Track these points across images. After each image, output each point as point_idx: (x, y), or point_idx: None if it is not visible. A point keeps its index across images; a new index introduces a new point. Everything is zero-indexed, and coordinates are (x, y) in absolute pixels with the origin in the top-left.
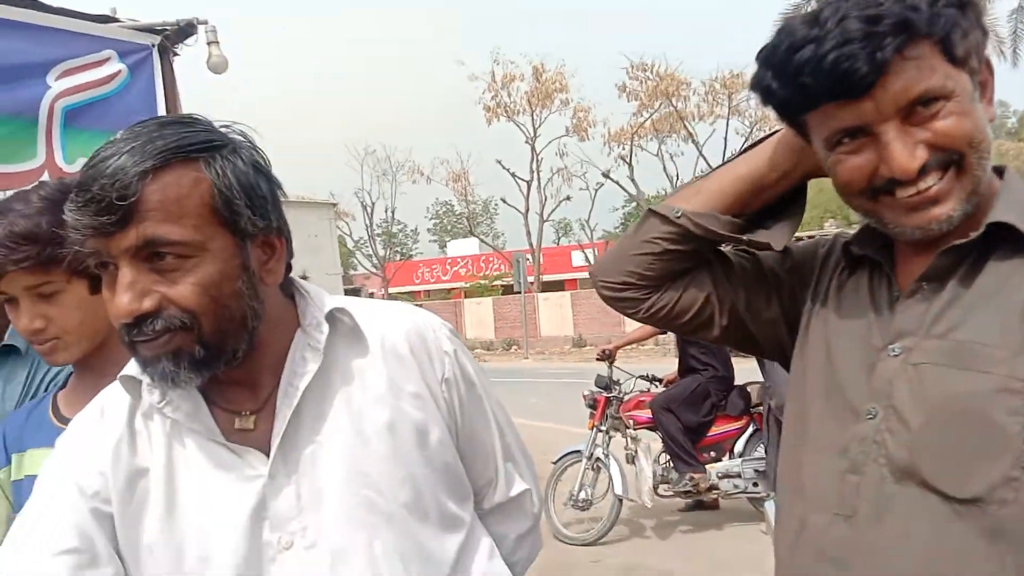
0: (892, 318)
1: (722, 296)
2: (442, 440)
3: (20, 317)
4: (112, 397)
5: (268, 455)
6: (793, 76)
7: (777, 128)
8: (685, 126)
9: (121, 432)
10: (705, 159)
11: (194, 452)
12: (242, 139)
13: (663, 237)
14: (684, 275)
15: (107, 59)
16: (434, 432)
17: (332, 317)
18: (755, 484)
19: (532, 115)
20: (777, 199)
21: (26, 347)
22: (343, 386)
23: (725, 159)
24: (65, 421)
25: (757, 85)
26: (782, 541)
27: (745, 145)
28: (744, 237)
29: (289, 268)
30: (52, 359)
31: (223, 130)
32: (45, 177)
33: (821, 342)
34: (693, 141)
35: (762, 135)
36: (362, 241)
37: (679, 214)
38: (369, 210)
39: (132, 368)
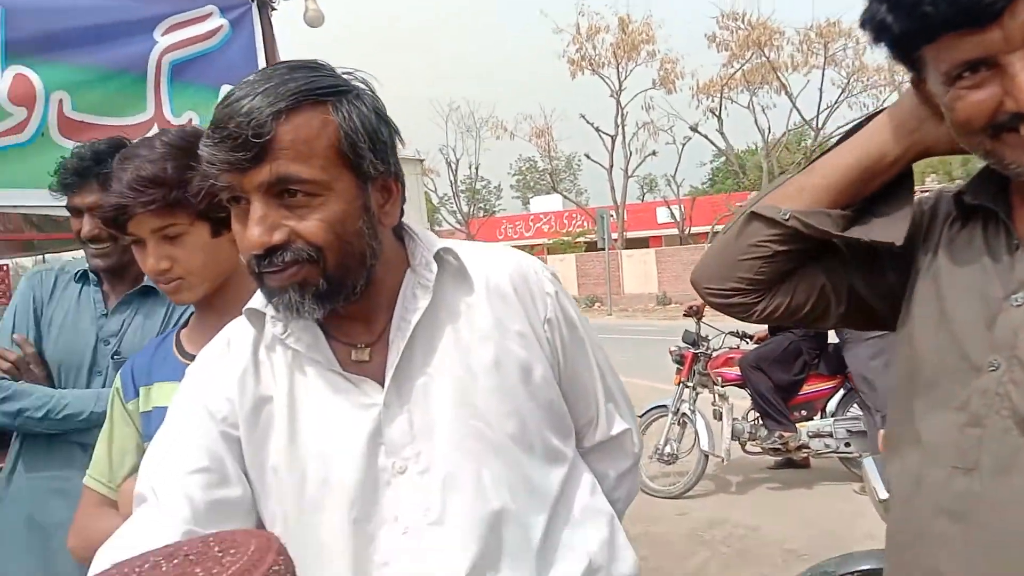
0: (1013, 268)
1: (837, 284)
2: (545, 377)
3: (147, 258)
4: (238, 330)
5: (382, 385)
6: (913, 6)
7: (879, 109)
8: (778, 77)
9: (247, 362)
10: (799, 111)
11: (314, 381)
12: (364, 86)
13: (771, 240)
14: (793, 272)
15: (209, 14)
16: (537, 370)
17: (439, 257)
18: (847, 444)
19: (617, 68)
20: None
21: None
22: (451, 323)
23: (824, 148)
24: (188, 356)
25: (869, 20)
26: (897, 496)
27: (845, 131)
28: (864, 239)
29: (402, 212)
30: (176, 298)
31: (346, 77)
32: (155, 130)
33: (932, 297)
34: (786, 93)
35: (866, 114)
36: (446, 197)
37: (787, 216)
38: (453, 167)
39: (257, 302)
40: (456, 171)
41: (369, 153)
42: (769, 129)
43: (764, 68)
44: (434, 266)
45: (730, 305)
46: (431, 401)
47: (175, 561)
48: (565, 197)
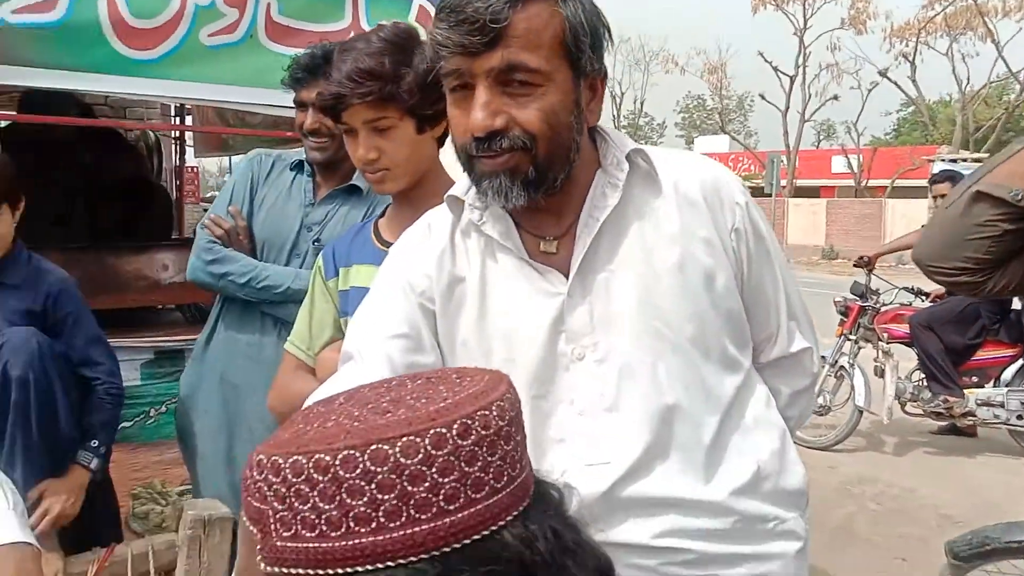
0: None
1: None
2: (728, 287)
3: (357, 148)
4: (437, 215)
5: (567, 277)
6: None
7: None
8: (984, 23)
9: (444, 244)
10: (1005, 62)
11: (504, 267)
12: None
13: (1000, 219)
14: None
15: None
16: (721, 278)
17: (630, 159)
18: (1020, 417)
19: (803, 4)
20: None
21: (367, 188)
22: (637, 223)
23: None
24: (384, 243)
25: None
26: None
27: None
28: None
29: (599, 114)
30: (380, 188)
31: None
32: None
33: None
34: (992, 41)
35: None
36: None
37: (1019, 197)
38: (618, 101)
39: (457, 189)
40: (620, 105)
41: (588, 49)
42: (968, 80)
43: (969, 12)
44: (625, 166)
45: (956, 283)
46: (612, 295)
47: (418, 381)
48: (733, 138)
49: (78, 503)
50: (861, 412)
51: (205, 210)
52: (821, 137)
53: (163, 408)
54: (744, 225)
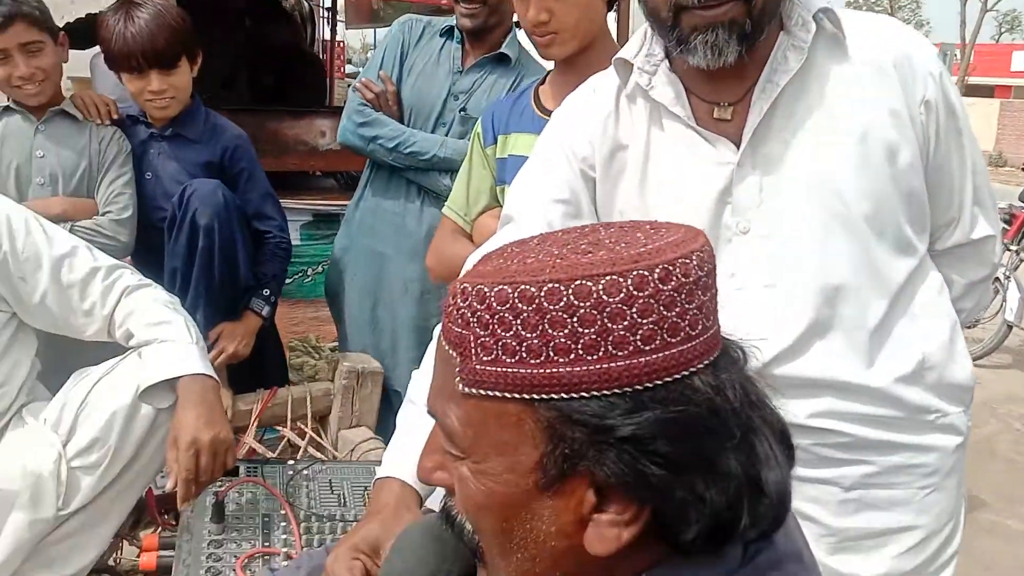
0: None
1: None
2: (912, 164)
3: (528, 8)
4: (603, 79)
5: (738, 147)
6: None
7: None
8: None
9: (609, 109)
10: None
11: (671, 134)
12: None
13: None
14: None
15: None
16: (904, 154)
17: (816, 19)
18: None
19: None
20: None
21: (515, 57)
22: (819, 89)
23: None
24: (544, 111)
25: None
26: None
27: None
28: None
29: None
30: (547, 52)
31: None
32: None
33: None
34: None
35: None
36: None
37: None
38: None
39: (626, 52)
40: None
41: None
42: None
43: None
44: (811, 27)
45: None
46: (785, 168)
47: (612, 229)
48: None
49: (249, 346)
50: (1011, 327)
51: (349, 85)
52: (1003, 30)
53: (319, 268)
54: (936, 98)
